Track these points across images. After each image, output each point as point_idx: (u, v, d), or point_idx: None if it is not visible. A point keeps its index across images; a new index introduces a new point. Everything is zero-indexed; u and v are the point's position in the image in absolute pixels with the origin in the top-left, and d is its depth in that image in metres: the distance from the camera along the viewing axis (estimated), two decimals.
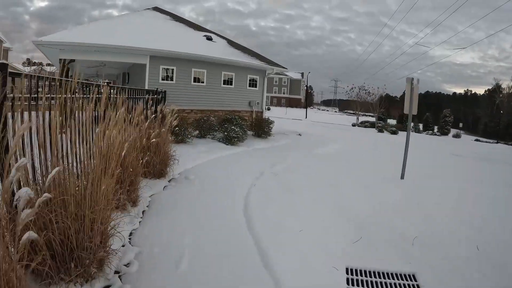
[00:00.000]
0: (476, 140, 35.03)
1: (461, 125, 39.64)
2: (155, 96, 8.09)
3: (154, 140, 5.25)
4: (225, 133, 9.99)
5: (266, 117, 13.07)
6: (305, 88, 69.03)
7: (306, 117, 41.18)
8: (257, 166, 7.33)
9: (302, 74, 79.59)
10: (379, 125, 27.73)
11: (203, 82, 12.73)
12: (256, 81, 14.43)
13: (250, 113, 14.37)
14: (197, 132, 10.56)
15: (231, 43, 15.54)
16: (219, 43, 14.79)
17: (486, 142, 33.64)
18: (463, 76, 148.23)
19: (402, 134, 26.26)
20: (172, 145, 6.44)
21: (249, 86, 14.19)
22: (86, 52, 10.44)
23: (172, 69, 12.07)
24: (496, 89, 61.40)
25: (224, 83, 13.34)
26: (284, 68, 14.54)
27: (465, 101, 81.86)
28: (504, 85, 62.36)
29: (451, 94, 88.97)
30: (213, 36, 15.07)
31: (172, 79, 12.08)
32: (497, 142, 34.33)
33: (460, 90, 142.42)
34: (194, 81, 12.55)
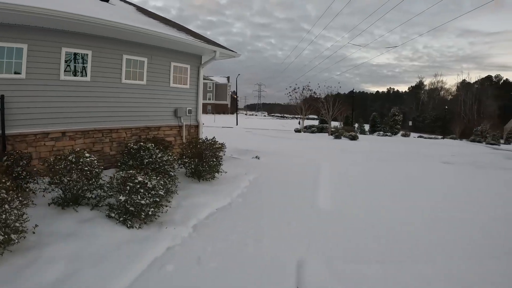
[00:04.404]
0: (420, 136, 34.12)
1: (410, 123, 39.06)
2: None
3: None
4: (126, 197, 4.11)
5: (209, 138, 7.33)
6: (232, 92, 64.35)
7: (237, 124, 36.55)
8: None
9: (228, 78, 75.47)
10: (333, 129, 23.96)
11: (85, 75, 6.50)
12: (186, 74, 8.64)
13: (177, 129, 8.49)
14: (59, 192, 4.45)
15: (142, 10, 9.39)
16: (121, 7, 8.55)
17: (429, 138, 32.83)
18: (380, 76, 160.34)
19: (363, 139, 22.84)
20: None
21: (175, 82, 8.35)
22: None
23: (21, 50, 5.61)
24: (419, 86, 64.82)
25: (128, 77, 7.25)
26: (232, 51, 8.94)
27: (388, 98, 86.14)
28: (426, 81, 66.07)
29: (374, 92, 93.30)
30: None
31: (19, 71, 5.62)
32: (443, 138, 33.78)
33: (377, 89, 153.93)
34: (67, 72, 6.25)
